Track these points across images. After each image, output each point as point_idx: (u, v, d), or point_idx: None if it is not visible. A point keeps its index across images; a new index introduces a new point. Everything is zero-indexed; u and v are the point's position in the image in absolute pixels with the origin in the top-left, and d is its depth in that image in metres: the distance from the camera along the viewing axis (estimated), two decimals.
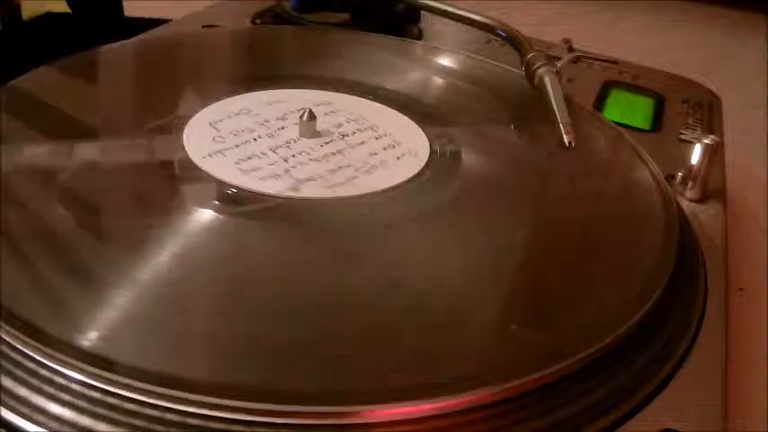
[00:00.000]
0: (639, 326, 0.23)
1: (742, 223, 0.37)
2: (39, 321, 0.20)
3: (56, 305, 0.21)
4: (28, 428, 0.19)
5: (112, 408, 0.19)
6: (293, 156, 0.29)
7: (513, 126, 0.35)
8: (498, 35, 0.40)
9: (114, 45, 0.37)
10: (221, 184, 0.27)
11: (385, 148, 0.30)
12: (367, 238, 0.26)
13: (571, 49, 0.45)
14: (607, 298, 0.24)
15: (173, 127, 0.30)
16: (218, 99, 0.33)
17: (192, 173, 0.27)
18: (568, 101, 0.34)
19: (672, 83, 0.45)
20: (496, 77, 0.39)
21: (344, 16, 0.45)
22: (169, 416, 0.19)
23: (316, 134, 0.31)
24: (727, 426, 0.22)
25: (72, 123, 0.30)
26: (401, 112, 0.33)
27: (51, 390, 0.19)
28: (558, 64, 0.36)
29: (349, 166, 0.29)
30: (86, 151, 0.29)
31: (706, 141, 0.32)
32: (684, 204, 0.32)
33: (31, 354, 0.20)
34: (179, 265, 0.23)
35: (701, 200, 0.33)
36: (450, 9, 0.42)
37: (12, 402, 0.19)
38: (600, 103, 0.41)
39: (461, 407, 0.20)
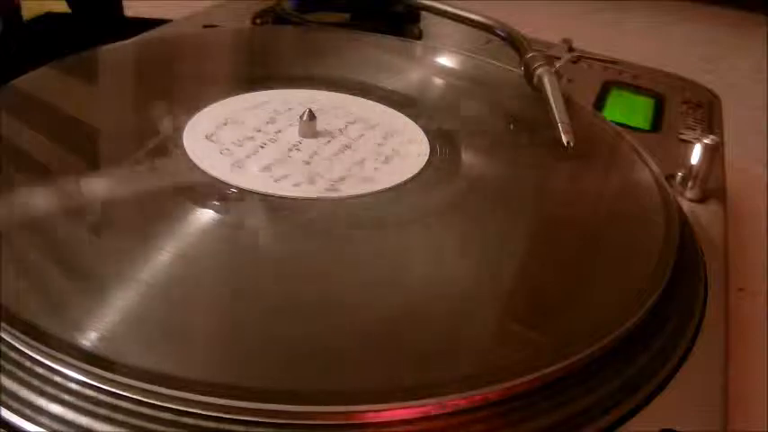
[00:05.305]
0: (639, 326, 0.23)
1: (742, 223, 0.37)
2: (39, 321, 0.20)
3: (56, 305, 0.21)
4: (28, 428, 0.19)
5: (112, 407, 0.19)
6: (287, 156, 0.29)
7: (512, 126, 0.35)
8: (498, 35, 0.40)
9: (114, 45, 0.37)
10: (210, 178, 0.27)
11: (383, 147, 0.30)
12: (367, 237, 0.26)
13: (571, 49, 0.45)
14: (607, 298, 0.24)
15: (173, 127, 0.30)
16: (218, 99, 0.33)
17: (192, 173, 0.27)
18: (568, 101, 0.34)
19: (672, 83, 0.45)
20: (496, 77, 0.39)
21: (344, 16, 0.45)
22: (169, 416, 0.19)
23: (316, 134, 0.31)
24: (727, 426, 0.22)
25: (72, 123, 0.30)
26: (401, 111, 0.33)
27: (51, 390, 0.19)
28: (558, 64, 0.36)
29: (348, 165, 0.29)
30: (86, 151, 0.29)
31: (706, 141, 0.32)
32: (684, 204, 0.32)
33: (31, 354, 0.20)
34: (180, 265, 0.23)
35: (701, 200, 0.33)
36: (450, 9, 0.42)
37: (12, 402, 0.19)
38: (600, 103, 0.41)
39: (461, 407, 0.20)
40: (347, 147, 0.30)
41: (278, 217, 0.26)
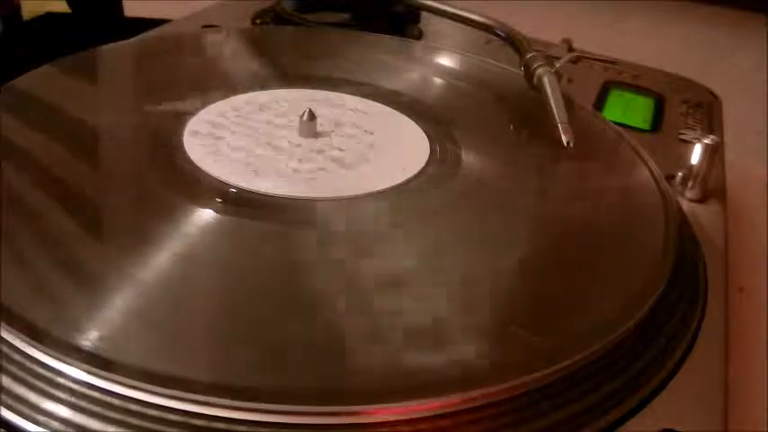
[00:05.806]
0: (639, 326, 0.23)
1: (742, 223, 0.37)
2: (39, 321, 0.20)
3: (56, 305, 0.21)
4: (28, 428, 0.19)
5: (113, 407, 0.19)
6: (287, 156, 0.29)
7: (512, 126, 0.35)
8: (497, 35, 0.40)
9: (114, 45, 0.37)
10: (210, 178, 0.27)
11: (384, 147, 0.30)
12: (367, 237, 0.26)
13: (571, 49, 0.45)
14: (607, 298, 0.24)
15: (172, 127, 0.30)
16: (218, 99, 0.33)
17: (192, 172, 0.27)
18: (568, 101, 0.34)
19: (672, 83, 0.45)
20: (496, 78, 0.39)
21: (344, 16, 0.45)
22: (169, 415, 0.19)
23: (315, 134, 0.30)
24: (727, 426, 0.22)
25: (72, 123, 0.30)
26: (400, 111, 0.33)
27: (51, 390, 0.19)
28: (557, 64, 0.36)
29: (347, 166, 0.29)
30: (86, 151, 0.29)
31: (706, 141, 0.32)
32: (684, 204, 0.32)
33: (31, 354, 0.20)
34: (179, 264, 0.23)
35: (701, 200, 0.33)
36: (449, 9, 0.42)
37: (12, 402, 0.19)
38: (600, 103, 0.41)
39: (462, 407, 0.20)
40: (347, 147, 0.30)
41: (277, 217, 0.26)
